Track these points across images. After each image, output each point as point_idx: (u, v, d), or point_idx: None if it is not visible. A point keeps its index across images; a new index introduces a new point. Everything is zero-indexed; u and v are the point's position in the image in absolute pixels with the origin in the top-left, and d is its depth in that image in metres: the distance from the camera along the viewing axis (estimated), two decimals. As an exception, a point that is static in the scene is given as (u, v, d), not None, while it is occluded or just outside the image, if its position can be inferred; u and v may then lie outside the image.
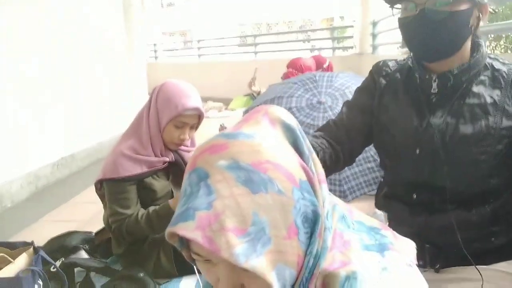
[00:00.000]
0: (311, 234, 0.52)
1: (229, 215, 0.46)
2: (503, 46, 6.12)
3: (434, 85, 1.03)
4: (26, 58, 3.23)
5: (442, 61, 1.02)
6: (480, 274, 0.99)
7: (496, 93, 0.99)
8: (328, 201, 0.56)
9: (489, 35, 4.79)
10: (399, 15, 1.06)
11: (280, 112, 0.56)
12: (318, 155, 1.06)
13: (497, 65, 1.03)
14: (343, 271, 0.51)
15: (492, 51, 5.81)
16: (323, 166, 1.10)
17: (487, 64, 1.03)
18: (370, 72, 1.23)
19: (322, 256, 0.52)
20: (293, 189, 0.50)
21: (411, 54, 1.11)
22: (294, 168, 0.51)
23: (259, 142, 0.50)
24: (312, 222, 0.52)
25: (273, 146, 0.51)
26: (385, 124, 1.13)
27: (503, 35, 5.89)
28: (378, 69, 1.20)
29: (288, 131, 0.55)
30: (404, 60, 1.18)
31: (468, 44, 1.03)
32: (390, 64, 1.19)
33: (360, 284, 0.50)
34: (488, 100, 0.99)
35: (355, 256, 0.53)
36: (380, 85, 1.17)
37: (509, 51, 6.04)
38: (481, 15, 1.00)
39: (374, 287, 0.50)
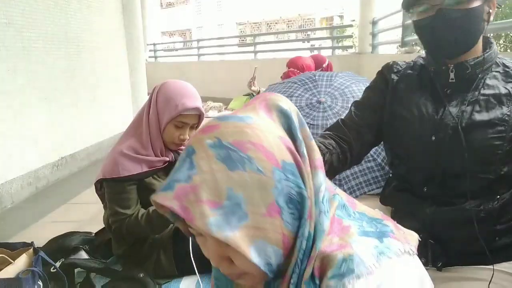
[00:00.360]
0: (300, 217, 0.55)
1: (205, 189, 0.50)
2: (502, 45, 6.12)
3: (452, 75, 1.07)
4: (24, 58, 3.22)
5: (458, 57, 1.07)
6: (492, 271, 1.00)
7: (510, 86, 1.04)
8: (325, 186, 0.58)
9: (489, 34, 4.79)
10: (414, 18, 1.09)
11: (278, 98, 0.59)
12: (325, 157, 1.09)
13: (507, 62, 1.09)
14: (340, 253, 0.53)
15: (492, 50, 5.82)
16: (330, 167, 1.12)
17: (497, 61, 1.09)
18: (380, 71, 1.26)
19: (319, 239, 0.54)
20: (274, 169, 0.52)
21: (426, 51, 1.15)
22: (278, 150, 0.53)
23: (246, 124, 0.54)
24: (300, 204, 0.54)
25: (260, 128, 0.54)
26: (400, 114, 1.15)
27: (503, 34, 5.89)
28: (389, 67, 1.23)
29: (284, 116, 0.58)
30: (412, 61, 1.21)
31: (481, 39, 1.08)
32: (400, 63, 1.23)
33: (357, 266, 0.51)
34: (503, 91, 1.04)
35: (353, 240, 0.54)
36: (392, 80, 1.20)
37: (508, 50, 6.05)
38: (490, 11, 1.04)
39: (371, 269, 0.51)
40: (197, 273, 1.50)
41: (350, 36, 8.29)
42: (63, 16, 3.77)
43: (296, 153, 0.56)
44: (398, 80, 1.19)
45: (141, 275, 1.54)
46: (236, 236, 0.49)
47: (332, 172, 1.14)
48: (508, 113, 1.01)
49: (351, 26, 8.27)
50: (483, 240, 1.02)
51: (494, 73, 1.07)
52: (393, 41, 5.47)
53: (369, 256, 0.53)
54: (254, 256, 0.51)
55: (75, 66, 3.94)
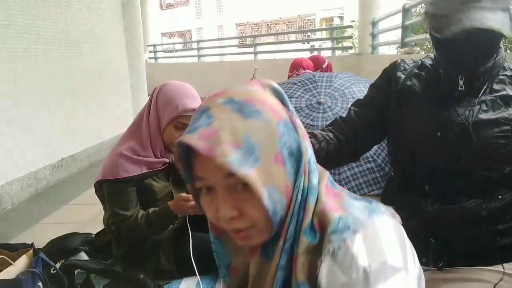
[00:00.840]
0: (297, 171, 0.61)
1: (225, 132, 0.55)
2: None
3: (461, 82, 1.07)
4: (25, 59, 3.22)
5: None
6: (497, 273, 1.00)
7: None
8: (311, 152, 0.65)
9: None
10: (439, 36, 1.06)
11: (270, 81, 0.67)
12: (321, 144, 1.13)
13: None
14: (336, 213, 0.59)
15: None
16: (326, 155, 1.14)
17: (505, 66, 1.10)
18: (385, 69, 1.26)
19: (311, 193, 0.61)
20: (279, 123, 0.59)
21: (445, 65, 1.11)
22: (279, 110, 0.61)
23: (251, 90, 0.62)
24: (297, 159, 0.61)
25: (262, 93, 0.62)
26: (406, 111, 1.16)
27: (502, 35, 5.89)
28: (396, 66, 1.24)
29: (276, 92, 0.65)
30: (420, 60, 1.22)
31: None
32: (408, 61, 1.24)
33: (353, 223, 0.58)
34: (510, 93, 1.05)
35: (346, 203, 0.62)
36: (398, 78, 1.20)
37: (508, 50, 6.05)
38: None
39: (365, 224, 0.57)
40: (197, 273, 1.50)
41: (350, 37, 8.29)
42: (63, 17, 3.78)
43: (292, 117, 0.63)
44: (405, 78, 1.19)
45: (141, 276, 1.54)
46: (253, 174, 0.55)
47: (327, 160, 1.14)
48: None
49: (351, 27, 8.28)
50: (485, 239, 1.02)
51: (501, 77, 1.08)
52: (393, 42, 5.47)
53: (361, 213, 0.59)
54: (265, 198, 0.56)
55: (75, 67, 3.94)
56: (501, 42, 1.08)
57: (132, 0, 5.06)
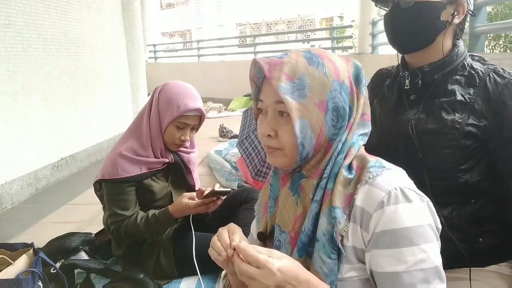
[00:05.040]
0: (339, 127, 0.73)
1: (288, 66, 0.70)
2: (502, 45, 6.11)
3: (407, 82, 1.07)
4: (25, 59, 3.22)
5: (419, 56, 1.06)
6: (472, 273, 0.99)
7: (469, 92, 1.02)
8: (369, 127, 0.79)
9: (488, 35, 4.77)
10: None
11: (354, 59, 0.79)
12: None
13: (476, 65, 1.05)
14: (373, 158, 0.74)
15: (491, 50, 5.80)
16: None
17: (465, 63, 1.05)
18: (371, 80, 1.28)
19: (356, 144, 0.75)
20: (334, 80, 0.71)
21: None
22: (343, 73, 0.73)
23: (329, 52, 0.77)
24: (340, 116, 0.72)
25: (337, 57, 0.75)
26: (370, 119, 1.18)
27: (502, 34, 5.88)
28: (374, 79, 1.26)
29: (355, 68, 0.76)
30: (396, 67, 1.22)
31: (442, 40, 1.04)
32: (385, 71, 1.24)
33: (386, 163, 0.73)
34: (459, 97, 1.02)
35: (377, 158, 0.75)
36: (375, 84, 1.22)
37: (508, 50, 6.04)
38: (456, 13, 1.02)
39: (393, 167, 0.73)
40: (198, 273, 1.50)
41: (350, 37, 8.28)
42: (63, 17, 3.77)
43: (355, 87, 0.74)
44: (380, 83, 1.21)
45: (141, 276, 1.54)
46: (293, 103, 0.68)
47: None
48: (460, 121, 1.00)
49: (350, 26, 8.26)
50: (465, 242, 1.01)
51: (457, 77, 1.04)
52: (393, 42, 5.46)
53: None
54: (297, 128, 0.69)
55: (75, 67, 3.94)
56: (455, 36, 1.05)
57: (132, 0, 5.05)
